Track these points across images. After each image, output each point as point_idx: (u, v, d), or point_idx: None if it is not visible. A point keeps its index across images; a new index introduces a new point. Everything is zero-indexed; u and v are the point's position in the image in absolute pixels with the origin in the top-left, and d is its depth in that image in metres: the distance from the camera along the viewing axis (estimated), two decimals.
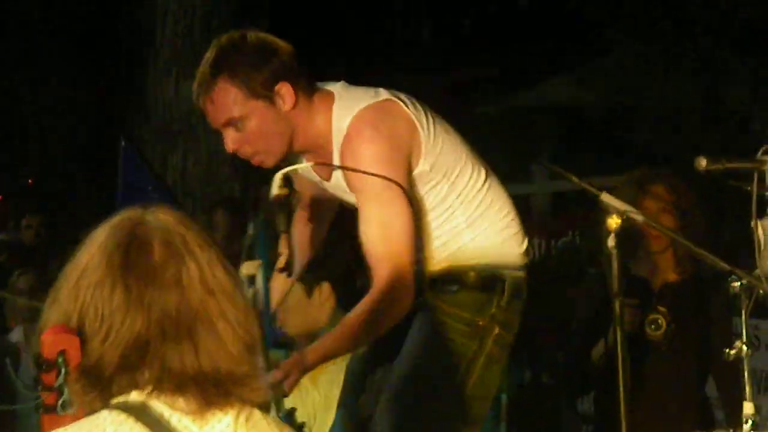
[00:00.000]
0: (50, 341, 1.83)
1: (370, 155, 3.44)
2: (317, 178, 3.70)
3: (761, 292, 3.81)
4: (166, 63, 9.11)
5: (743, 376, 4.12)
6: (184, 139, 9.16)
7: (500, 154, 10.12)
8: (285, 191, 3.48)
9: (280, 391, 3.28)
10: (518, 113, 10.97)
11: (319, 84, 3.59)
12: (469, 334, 3.59)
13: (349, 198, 3.61)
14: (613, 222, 4.00)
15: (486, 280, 3.62)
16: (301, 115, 3.49)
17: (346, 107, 3.50)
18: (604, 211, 3.96)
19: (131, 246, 1.89)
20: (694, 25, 8.71)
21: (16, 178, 15.25)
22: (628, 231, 4.19)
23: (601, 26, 9.10)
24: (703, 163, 3.16)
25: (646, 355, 4.77)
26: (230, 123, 3.44)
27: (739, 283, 4.05)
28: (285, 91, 3.45)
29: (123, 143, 5.59)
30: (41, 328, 1.90)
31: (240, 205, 7.74)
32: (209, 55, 3.48)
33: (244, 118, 3.43)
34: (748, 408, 4.15)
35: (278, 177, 3.48)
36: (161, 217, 1.93)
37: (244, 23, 9.07)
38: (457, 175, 3.62)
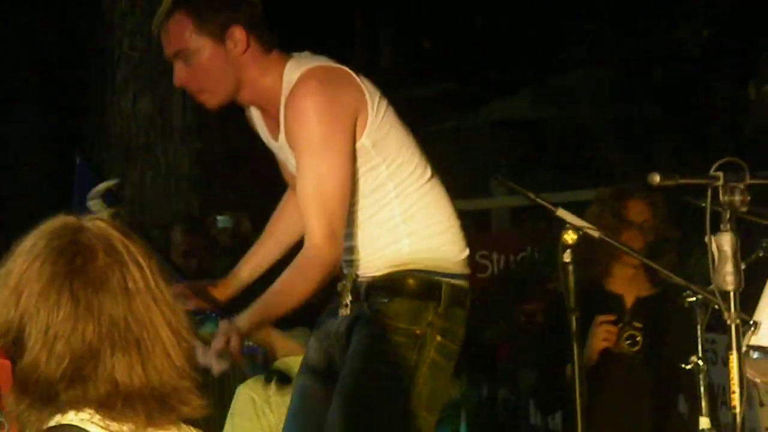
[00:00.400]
0: None
1: (312, 106, 3.41)
2: (268, 138, 3.70)
3: (716, 306, 3.82)
4: (123, 80, 9.08)
5: (698, 390, 4.15)
6: (142, 156, 9.13)
7: (460, 170, 10.19)
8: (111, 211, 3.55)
9: (226, 359, 3.24)
10: (477, 129, 11.00)
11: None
12: (407, 345, 3.53)
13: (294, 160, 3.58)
14: (569, 237, 4.02)
15: (420, 288, 3.55)
16: (251, 64, 3.50)
17: (299, 64, 3.51)
18: (560, 226, 3.98)
19: (75, 252, 1.83)
20: (650, 50, 8.79)
21: None
22: (598, 247, 4.22)
23: (560, 45, 9.15)
24: (656, 178, 3.18)
25: (622, 371, 4.80)
26: (180, 55, 3.49)
27: (694, 298, 4.09)
28: (238, 35, 3.48)
29: (78, 160, 5.57)
30: None
31: (198, 222, 7.71)
32: None
33: (193, 52, 3.46)
34: (704, 423, 4.18)
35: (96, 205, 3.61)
36: (100, 225, 1.88)
37: None
38: (399, 165, 3.57)
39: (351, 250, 3.64)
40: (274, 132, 3.62)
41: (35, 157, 12.93)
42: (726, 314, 3.29)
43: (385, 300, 3.57)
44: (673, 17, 9.48)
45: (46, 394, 1.78)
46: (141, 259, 1.86)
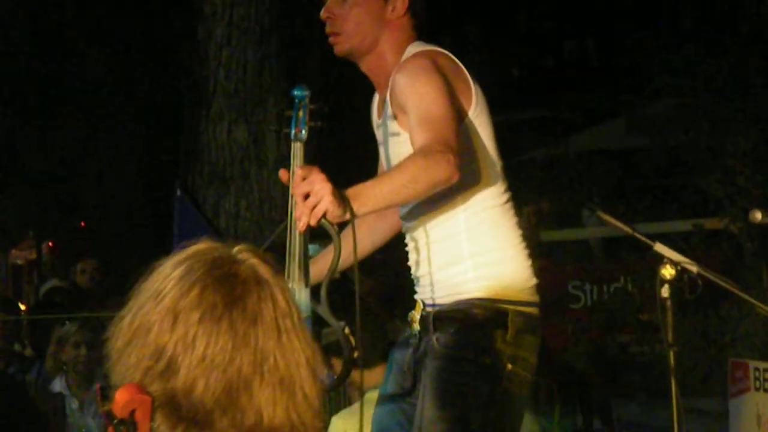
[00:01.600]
0: (124, 400, 1.79)
1: (420, 66, 3.44)
2: (375, 120, 3.73)
3: None
4: (219, 109, 9.19)
5: None
6: (236, 184, 9.22)
7: (552, 200, 10.16)
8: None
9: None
10: (569, 158, 10.96)
11: None
12: (477, 376, 3.49)
13: (393, 141, 3.56)
14: (667, 272, 4.00)
15: (486, 317, 3.50)
16: (395, 34, 3.58)
17: (419, 46, 3.58)
18: (654, 257, 3.95)
19: (234, 284, 1.85)
20: (746, 78, 8.69)
21: (69, 221, 15.38)
22: None
23: (652, 73, 9.08)
24: (758, 216, 3.16)
25: None
26: None
27: None
28: (402, 2, 3.58)
29: (178, 193, 5.63)
30: (113, 371, 1.85)
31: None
32: None
33: None
34: None
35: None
36: (250, 257, 1.90)
37: (293, 73, 9.21)
38: (476, 175, 3.53)
39: (416, 264, 3.63)
40: (380, 110, 3.66)
41: (131, 185, 13.13)
42: None
43: (452, 331, 3.52)
44: (766, 47, 9.39)
45: (203, 420, 1.80)
46: (286, 294, 1.89)
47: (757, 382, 6.20)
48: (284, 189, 9.72)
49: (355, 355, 3.28)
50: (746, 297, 4.19)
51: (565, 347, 7.67)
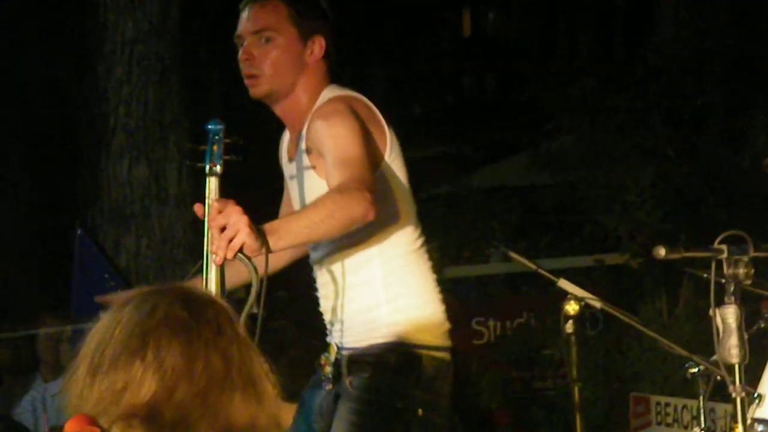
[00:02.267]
0: (73, 431, 1.88)
1: (338, 113, 3.46)
2: (285, 160, 3.75)
3: (718, 377, 3.82)
4: (119, 147, 9.10)
5: None
6: (137, 223, 9.13)
7: (454, 235, 10.20)
8: None
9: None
10: (471, 194, 11.03)
11: None
12: (389, 420, 3.51)
13: (305, 183, 3.58)
14: (571, 308, 4.03)
15: (401, 362, 3.52)
16: (312, 76, 3.61)
17: (334, 91, 3.62)
18: (557, 292, 3.98)
19: (192, 301, 2.02)
20: (645, 113, 8.82)
21: None
22: None
23: (553, 110, 9.18)
24: (662, 252, 3.18)
25: None
26: (261, 33, 3.61)
27: (696, 369, 4.09)
28: (319, 46, 3.63)
29: (79, 231, 5.55)
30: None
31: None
32: None
33: (275, 35, 3.59)
34: None
35: None
36: (193, 287, 2.12)
37: (195, 111, 9.14)
38: (391, 220, 3.54)
39: (331, 310, 3.62)
40: (292, 153, 3.68)
41: (28, 224, 12.92)
42: (731, 387, 3.29)
43: (366, 375, 3.54)
44: (665, 82, 9.54)
45: (183, 424, 1.93)
46: (232, 312, 2.08)
47: (659, 416, 6.26)
48: (186, 227, 9.64)
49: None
50: (648, 332, 4.23)
51: (469, 383, 7.68)
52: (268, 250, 3.12)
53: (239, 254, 3.09)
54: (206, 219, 3.17)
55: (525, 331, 8.42)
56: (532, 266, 4.06)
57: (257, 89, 3.61)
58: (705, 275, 3.44)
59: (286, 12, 3.59)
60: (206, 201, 3.25)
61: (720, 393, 4.06)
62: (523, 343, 8.18)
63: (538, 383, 8.02)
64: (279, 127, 3.83)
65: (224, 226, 3.07)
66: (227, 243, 3.07)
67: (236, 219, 3.06)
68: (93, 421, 1.87)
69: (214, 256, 3.11)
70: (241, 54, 3.62)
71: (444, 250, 9.11)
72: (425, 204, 11.28)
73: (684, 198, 8.57)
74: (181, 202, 9.13)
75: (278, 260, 3.77)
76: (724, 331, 3.25)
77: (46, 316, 7.34)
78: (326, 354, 3.63)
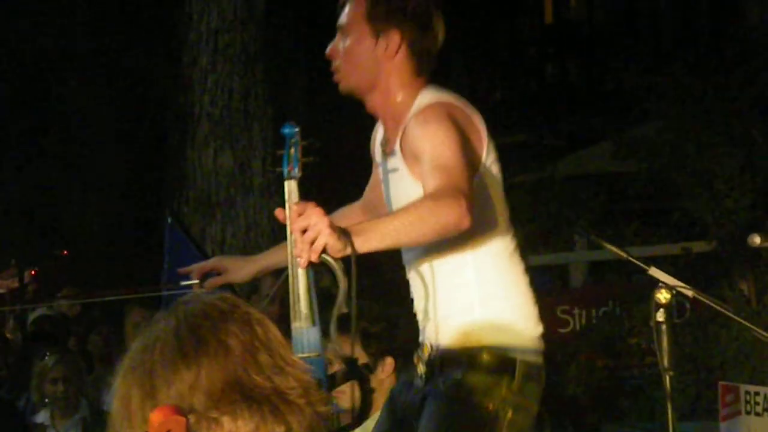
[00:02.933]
0: (159, 421, 1.81)
1: (436, 119, 3.43)
2: (378, 153, 3.74)
3: None
4: (204, 136, 9.18)
5: None
6: (222, 211, 9.21)
7: (539, 224, 10.15)
8: None
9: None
10: (556, 182, 10.95)
11: None
12: (479, 420, 3.48)
13: (398, 183, 3.57)
14: (662, 296, 3.98)
15: (495, 363, 3.51)
16: (393, 72, 3.58)
17: (432, 94, 3.58)
18: (641, 281, 3.93)
19: (231, 317, 1.95)
20: (732, 100, 8.70)
21: (51, 249, 15.30)
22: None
23: (639, 97, 9.09)
24: (756, 240, 3.14)
25: None
26: (342, 29, 3.63)
27: None
28: (393, 39, 3.58)
29: (169, 220, 5.59)
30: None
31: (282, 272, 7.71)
32: None
33: (351, 32, 3.60)
34: None
35: None
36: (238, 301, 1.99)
37: (279, 100, 9.18)
38: (485, 225, 3.52)
39: (424, 312, 3.61)
40: (388, 147, 3.66)
41: (115, 212, 13.07)
42: None
43: (459, 374, 3.52)
44: (752, 68, 9.41)
45: (270, 393, 1.90)
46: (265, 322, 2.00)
47: (748, 406, 6.18)
48: (270, 216, 9.71)
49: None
50: (741, 321, 4.17)
51: (555, 372, 7.65)
52: (354, 251, 3.09)
53: (323, 255, 3.07)
54: (288, 222, 3.17)
55: (610, 320, 8.35)
56: (623, 254, 4.01)
57: (341, 85, 3.64)
58: None
59: (364, 7, 3.60)
60: (286, 204, 3.24)
61: None
62: (609, 332, 8.11)
63: (623, 372, 7.96)
64: (365, 117, 3.84)
65: (306, 228, 3.06)
66: (310, 245, 3.06)
67: (317, 220, 3.04)
68: (178, 411, 1.82)
69: (298, 259, 3.12)
70: (327, 50, 3.65)
71: (528, 238, 9.07)
72: (509, 192, 11.20)
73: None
74: (266, 191, 9.19)
75: None
76: None
77: (133, 306, 7.43)
78: (419, 352, 3.63)
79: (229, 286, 4.11)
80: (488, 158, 3.55)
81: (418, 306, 3.66)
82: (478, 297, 3.54)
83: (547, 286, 9.78)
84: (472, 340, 3.53)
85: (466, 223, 3.22)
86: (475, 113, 3.58)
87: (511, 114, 16.89)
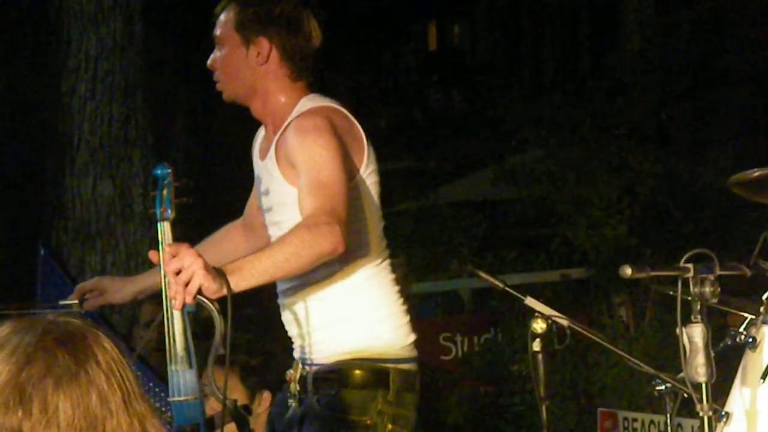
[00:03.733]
0: None
1: (314, 126, 3.45)
2: (257, 158, 3.75)
3: (685, 395, 3.82)
4: (83, 164, 9.05)
5: None
6: (102, 240, 9.08)
7: (420, 251, 10.19)
8: None
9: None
10: (437, 209, 11.04)
11: None
12: None
13: (270, 185, 3.57)
14: (538, 326, 4.01)
15: (368, 377, 3.51)
16: (268, 78, 3.62)
17: (314, 100, 3.61)
18: (529, 314, 3.96)
19: (75, 342, 1.84)
20: (611, 127, 8.85)
21: None
22: None
23: (520, 125, 9.20)
24: (628, 271, 3.18)
25: None
26: (216, 41, 3.69)
27: (663, 386, 4.08)
28: (262, 47, 3.63)
29: (42, 252, 5.49)
30: None
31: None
32: None
33: (223, 43, 3.67)
34: None
35: None
36: (68, 318, 1.89)
37: (159, 127, 9.09)
38: (358, 231, 3.52)
39: (296, 329, 3.59)
40: (264, 152, 3.67)
41: None
42: (698, 406, 3.30)
43: (333, 392, 3.52)
44: (629, 95, 9.58)
45: None
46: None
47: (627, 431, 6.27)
48: (151, 244, 9.56)
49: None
50: (616, 350, 4.22)
51: (437, 399, 7.67)
52: (230, 291, 3.08)
53: (199, 297, 3.07)
54: (161, 264, 3.14)
55: (492, 347, 8.41)
56: (500, 285, 4.05)
57: (223, 95, 3.69)
58: (671, 293, 3.44)
59: (233, 17, 3.65)
60: (160, 246, 3.22)
61: (687, 408, 4.07)
62: (491, 359, 8.17)
63: (505, 399, 8.01)
64: (249, 138, 3.84)
65: (179, 270, 3.06)
66: (184, 287, 3.05)
67: (190, 262, 3.04)
68: None
69: (173, 301, 3.09)
70: (208, 61, 3.72)
71: (411, 265, 9.10)
72: (392, 218, 11.27)
73: (649, 212, 8.60)
74: (146, 220, 9.09)
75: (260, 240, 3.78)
76: (690, 350, 3.25)
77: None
78: (290, 370, 3.61)
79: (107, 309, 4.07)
80: (367, 168, 3.57)
81: (287, 317, 3.65)
82: (345, 309, 3.54)
83: (429, 313, 9.81)
84: (342, 353, 3.52)
85: (341, 249, 3.25)
86: (356, 122, 3.59)
87: (395, 140, 16.96)
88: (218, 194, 9.32)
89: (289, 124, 3.53)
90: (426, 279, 9.70)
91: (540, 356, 3.99)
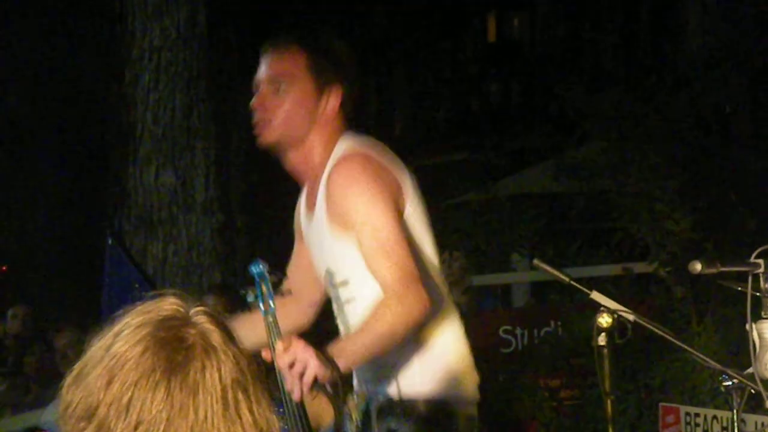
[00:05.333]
0: None
1: (359, 172, 3.40)
2: (303, 216, 3.67)
3: (752, 391, 3.79)
4: (146, 153, 9.12)
5: None
6: (164, 229, 9.14)
7: (479, 245, 10.18)
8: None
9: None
10: (497, 202, 10.99)
11: None
12: None
13: (325, 241, 3.52)
14: (603, 320, 4.00)
15: (432, 415, 3.48)
16: (326, 128, 3.49)
17: (350, 142, 3.51)
18: (583, 300, 3.94)
19: (176, 349, 1.75)
20: (674, 121, 8.78)
21: None
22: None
23: (581, 118, 9.15)
24: (698, 267, 3.16)
25: None
26: (275, 80, 3.49)
27: (730, 382, 4.05)
28: (335, 98, 3.50)
29: (109, 240, 5.55)
30: (65, 408, 1.75)
31: (227, 289, 7.66)
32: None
33: (291, 83, 3.47)
34: None
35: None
36: (204, 320, 1.80)
37: (221, 118, 9.14)
38: (424, 272, 3.45)
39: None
40: (311, 206, 3.58)
41: (56, 229, 12.96)
42: None
43: (395, 426, 3.50)
44: (692, 90, 9.49)
45: None
46: (240, 363, 1.78)
47: (689, 427, 6.23)
48: (212, 234, 9.61)
49: None
50: (681, 345, 4.19)
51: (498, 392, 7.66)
52: (340, 374, 3.17)
53: (315, 385, 3.15)
54: (274, 358, 3.21)
55: (552, 340, 8.38)
56: (565, 279, 4.03)
57: (265, 137, 3.51)
58: (740, 288, 3.41)
59: (304, 61, 3.48)
60: (270, 342, 3.28)
61: (749, 403, 4.04)
62: (551, 352, 8.14)
63: (565, 392, 7.98)
64: None
65: (293, 363, 3.12)
66: (299, 378, 3.12)
67: (303, 354, 3.11)
68: None
69: (291, 394, 3.16)
70: (253, 100, 3.53)
71: (470, 258, 9.08)
72: (451, 211, 11.30)
73: (713, 206, 8.52)
74: (208, 209, 9.14)
75: (303, 315, 3.79)
76: (761, 346, 3.23)
77: (63, 327, 7.35)
78: (355, 398, 3.58)
79: None
80: (411, 202, 3.50)
81: None
82: (414, 348, 3.49)
83: (488, 305, 9.81)
84: (409, 390, 3.49)
85: (428, 308, 3.31)
86: (391, 160, 3.51)
87: (454, 133, 16.93)
88: (279, 182, 9.35)
89: (331, 173, 3.46)
90: (486, 271, 9.69)
91: (605, 350, 3.97)
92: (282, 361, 3.14)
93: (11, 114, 12.91)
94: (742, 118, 9.69)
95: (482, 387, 3.68)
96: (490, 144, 15.44)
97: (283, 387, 3.20)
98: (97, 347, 1.78)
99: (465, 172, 13.59)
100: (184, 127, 9.10)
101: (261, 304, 3.34)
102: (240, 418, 1.74)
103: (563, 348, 8.03)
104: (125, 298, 4.28)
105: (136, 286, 5.57)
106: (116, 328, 1.79)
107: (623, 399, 7.35)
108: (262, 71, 3.54)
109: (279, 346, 3.17)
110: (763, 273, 3.21)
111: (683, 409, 6.28)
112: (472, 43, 22.89)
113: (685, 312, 7.98)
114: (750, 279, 3.22)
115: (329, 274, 3.56)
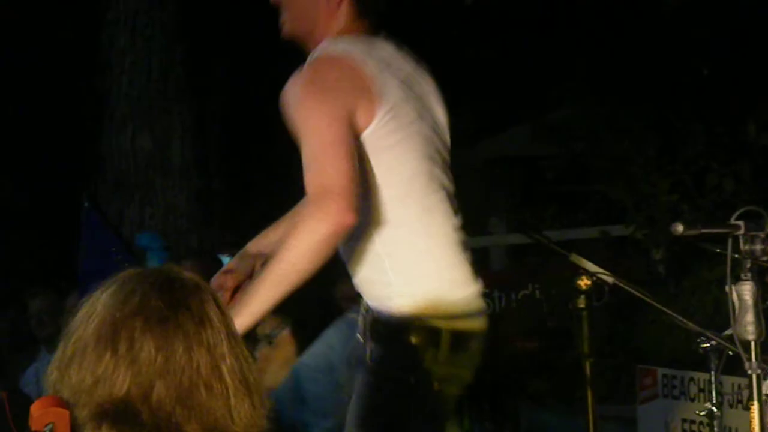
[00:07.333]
0: (39, 414, 1.76)
1: (304, 96, 3.34)
2: None
3: (730, 353, 3.82)
4: (122, 117, 9.08)
5: None
6: (140, 193, 9.12)
7: (460, 206, 10.15)
8: None
9: None
10: (473, 166, 10.99)
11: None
12: (399, 394, 3.39)
13: None
14: (583, 283, 4.01)
15: (415, 335, 3.37)
16: (329, 22, 3.52)
17: (327, 46, 3.49)
18: (559, 262, 3.95)
19: (174, 287, 1.87)
20: (648, 83, 8.79)
21: None
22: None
23: (555, 80, 9.15)
24: (679, 228, 3.16)
25: None
26: None
27: (708, 344, 4.08)
28: None
29: (86, 204, 5.53)
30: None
31: (204, 254, 7.64)
32: None
33: None
34: None
35: None
36: (184, 271, 1.93)
37: (198, 82, 9.08)
38: (383, 186, 3.38)
39: (349, 270, 3.50)
40: None
41: (30, 193, 12.90)
42: (747, 364, 3.28)
43: (382, 345, 3.43)
44: (671, 53, 9.50)
45: (166, 425, 1.78)
46: (223, 303, 1.91)
47: (665, 389, 6.26)
48: (189, 198, 9.58)
49: None
50: (661, 307, 4.21)
51: None
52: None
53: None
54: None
55: (530, 303, 8.40)
56: (545, 241, 4.04)
57: (284, 30, 3.58)
58: (719, 250, 3.42)
59: None
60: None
61: (726, 365, 4.07)
62: (528, 315, 8.17)
63: (542, 355, 8.02)
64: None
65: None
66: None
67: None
68: (60, 403, 1.76)
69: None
70: None
71: None
72: None
73: (689, 169, 8.54)
74: (185, 173, 9.12)
75: None
76: (740, 308, 3.24)
77: (36, 292, 7.30)
78: (361, 307, 3.52)
79: None
80: (386, 115, 3.41)
81: (347, 266, 3.52)
82: (388, 264, 3.40)
83: None
84: (393, 308, 3.40)
85: (348, 219, 3.20)
86: (371, 70, 3.44)
87: None
88: (256, 146, 9.33)
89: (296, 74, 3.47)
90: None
91: (584, 313, 3.99)
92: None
93: None
94: (720, 82, 9.69)
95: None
96: (466, 107, 15.38)
97: None
98: (77, 325, 1.86)
99: None
100: (161, 91, 9.05)
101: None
102: (240, 348, 1.84)
103: (540, 311, 8.06)
104: (101, 261, 4.27)
105: (113, 249, 5.55)
106: (88, 305, 1.88)
107: (601, 361, 7.38)
108: None
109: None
110: (742, 234, 3.22)
111: (660, 371, 6.30)
112: (447, 6, 22.80)
113: (661, 275, 8.03)
114: (730, 241, 3.22)
115: None
